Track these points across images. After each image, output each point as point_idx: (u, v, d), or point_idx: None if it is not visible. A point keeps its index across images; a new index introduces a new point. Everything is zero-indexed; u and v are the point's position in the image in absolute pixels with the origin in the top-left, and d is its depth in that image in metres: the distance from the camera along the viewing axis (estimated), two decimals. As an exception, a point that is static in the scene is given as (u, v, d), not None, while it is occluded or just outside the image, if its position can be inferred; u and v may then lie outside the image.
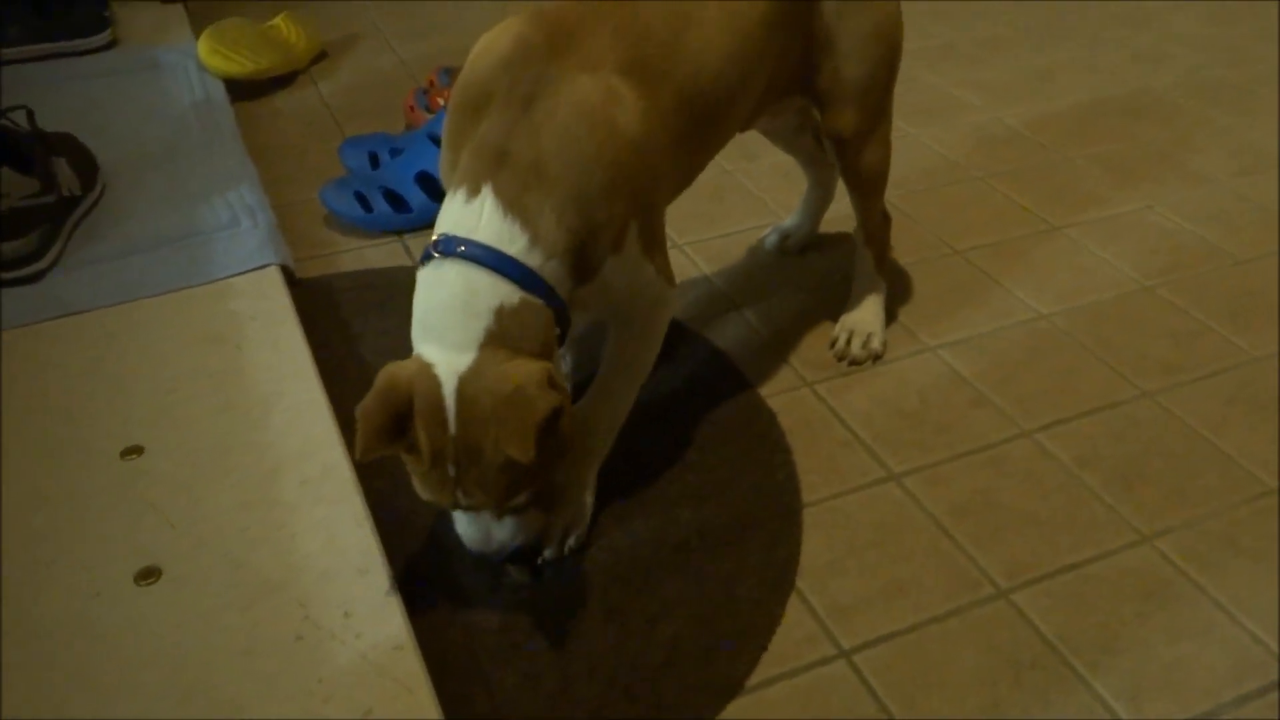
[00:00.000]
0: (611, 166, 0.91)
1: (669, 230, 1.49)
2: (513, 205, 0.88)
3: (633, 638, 0.97)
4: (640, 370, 1.06)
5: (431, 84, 1.78)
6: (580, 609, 0.99)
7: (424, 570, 1.02)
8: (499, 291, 0.87)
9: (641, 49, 0.96)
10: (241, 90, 1.90)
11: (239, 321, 1.25)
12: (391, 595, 0.92)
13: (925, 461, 1.17)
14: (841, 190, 1.32)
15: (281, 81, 1.97)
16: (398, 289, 1.40)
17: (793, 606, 1.00)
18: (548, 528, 1.03)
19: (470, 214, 0.89)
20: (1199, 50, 2.16)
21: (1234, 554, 1.06)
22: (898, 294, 1.42)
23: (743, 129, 1.16)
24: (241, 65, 1.87)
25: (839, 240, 1.53)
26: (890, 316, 1.38)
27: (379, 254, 1.49)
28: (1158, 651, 0.96)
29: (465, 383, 0.85)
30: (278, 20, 2.00)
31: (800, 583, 1.03)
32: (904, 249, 1.51)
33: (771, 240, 1.51)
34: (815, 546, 1.06)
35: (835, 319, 1.36)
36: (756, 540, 1.06)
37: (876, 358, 1.31)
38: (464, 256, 0.88)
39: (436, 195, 1.52)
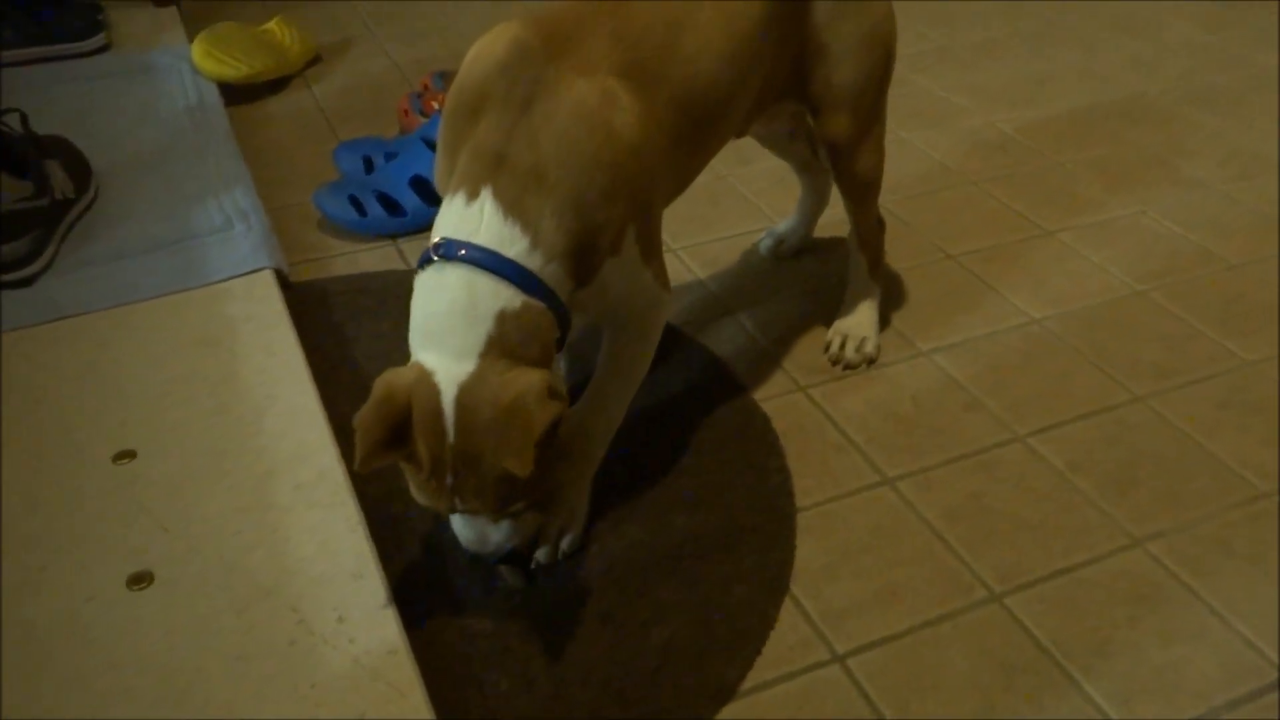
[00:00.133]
0: (610, 169, 0.91)
1: (664, 234, 1.49)
2: (512, 208, 0.88)
3: (627, 642, 0.97)
4: (636, 374, 1.06)
5: (425, 88, 1.78)
6: (574, 613, 0.99)
7: (418, 575, 1.02)
8: (501, 295, 0.87)
9: (638, 52, 0.96)
10: (235, 94, 1.90)
11: (233, 325, 1.25)
12: (385, 600, 0.92)
13: (919, 466, 1.17)
14: (835, 195, 1.33)
15: (275, 85, 1.97)
16: (391, 293, 1.40)
17: (786, 610, 1.00)
18: (543, 530, 1.03)
19: (470, 217, 0.89)
20: (1192, 56, 2.16)
21: (1226, 557, 1.06)
22: (892, 298, 1.43)
23: (737, 135, 1.16)
24: (235, 69, 1.87)
25: (833, 245, 1.53)
26: (884, 321, 1.38)
27: (373, 258, 1.49)
28: (1150, 655, 0.97)
29: (465, 392, 0.85)
30: (271, 24, 2.00)
31: (794, 587, 1.03)
32: (898, 254, 1.52)
33: (766, 245, 1.52)
34: (809, 550, 1.06)
35: (829, 323, 1.36)
36: (750, 544, 1.06)
37: (870, 362, 1.31)
38: (465, 260, 0.87)
39: (431, 199, 1.52)
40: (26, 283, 1.31)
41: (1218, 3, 2.41)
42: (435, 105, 1.72)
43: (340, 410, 1.12)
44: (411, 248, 1.51)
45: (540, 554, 1.03)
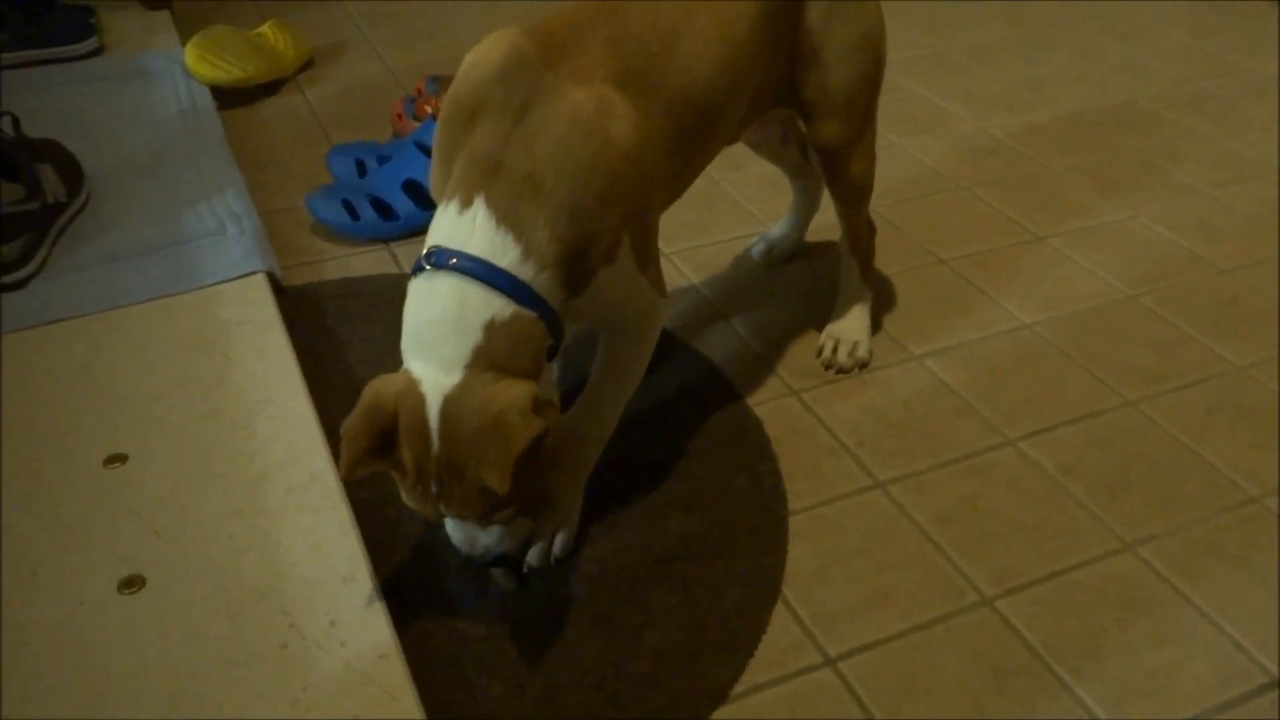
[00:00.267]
0: (606, 177, 0.91)
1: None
2: (506, 217, 0.88)
3: (619, 645, 0.97)
4: (631, 380, 1.06)
5: (419, 92, 1.78)
6: (567, 617, 0.99)
7: (410, 578, 1.02)
8: (491, 305, 0.87)
9: (634, 60, 0.96)
10: (228, 97, 1.90)
11: (225, 329, 1.24)
12: (377, 603, 0.92)
13: (910, 469, 1.17)
14: (827, 200, 1.33)
15: (268, 89, 1.97)
16: (384, 297, 1.40)
17: (779, 614, 1.00)
18: (535, 534, 1.03)
19: (463, 226, 0.89)
20: (1184, 61, 2.17)
21: (1216, 561, 1.07)
22: (883, 303, 1.43)
23: (730, 141, 1.17)
24: (228, 72, 1.87)
25: (825, 249, 1.53)
26: (876, 325, 1.38)
27: (365, 262, 1.49)
28: (1141, 658, 0.97)
29: (450, 402, 0.85)
30: (265, 27, 2.00)
31: (786, 590, 1.03)
32: (889, 258, 1.52)
33: (758, 249, 1.52)
34: (801, 554, 1.06)
35: (821, 328, 1.37)
36: (743, 548, 1.06)
37: (863, 366, 1.32)
38: (456, 269, 0.87)
39: (424, 203, 1.52)
40: (18, 286, 1.30)
41: (1211, 4, 2.42)
42: (428, 109, 1.72)
43: (332, 414, 1.12)
44: (404, 252, 1.51)
45: (533, 557, 1.03)
